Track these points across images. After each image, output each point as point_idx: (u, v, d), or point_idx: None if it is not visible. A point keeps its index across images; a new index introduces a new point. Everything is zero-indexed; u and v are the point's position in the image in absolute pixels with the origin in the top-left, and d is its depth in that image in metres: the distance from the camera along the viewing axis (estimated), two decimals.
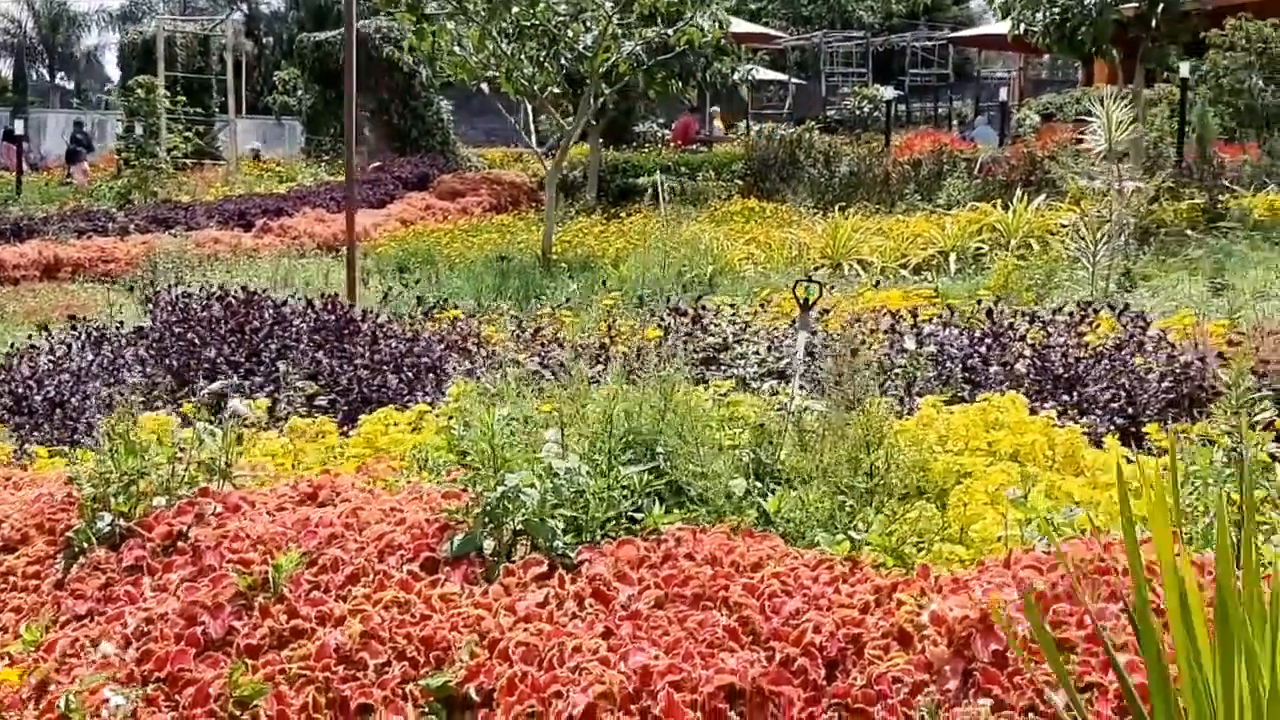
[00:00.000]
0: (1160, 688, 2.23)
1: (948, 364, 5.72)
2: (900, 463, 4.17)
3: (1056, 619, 3.05)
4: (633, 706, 3.03)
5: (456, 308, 11.13)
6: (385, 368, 6.36)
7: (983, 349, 5.88)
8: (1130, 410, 5.51)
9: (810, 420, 4.42)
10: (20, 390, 6.29)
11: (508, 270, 13.69)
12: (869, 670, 3.11)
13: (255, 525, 3.83)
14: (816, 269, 14.25)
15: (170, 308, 7.12)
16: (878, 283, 12.36)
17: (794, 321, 5.05)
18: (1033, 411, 5.20)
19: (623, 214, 20.20)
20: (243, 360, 6.66)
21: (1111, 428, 5.25)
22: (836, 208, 18.04)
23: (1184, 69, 19.80)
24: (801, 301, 4.96)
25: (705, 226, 17.20)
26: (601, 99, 17.68)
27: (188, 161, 24.41)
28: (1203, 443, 4.78)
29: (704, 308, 7.39)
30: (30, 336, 8.77)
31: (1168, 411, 5.51)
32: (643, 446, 4.32)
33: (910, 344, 5.76)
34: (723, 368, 5.89)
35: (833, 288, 11.05)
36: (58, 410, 6.09)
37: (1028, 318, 6.62)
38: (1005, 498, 4.32)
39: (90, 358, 6.77)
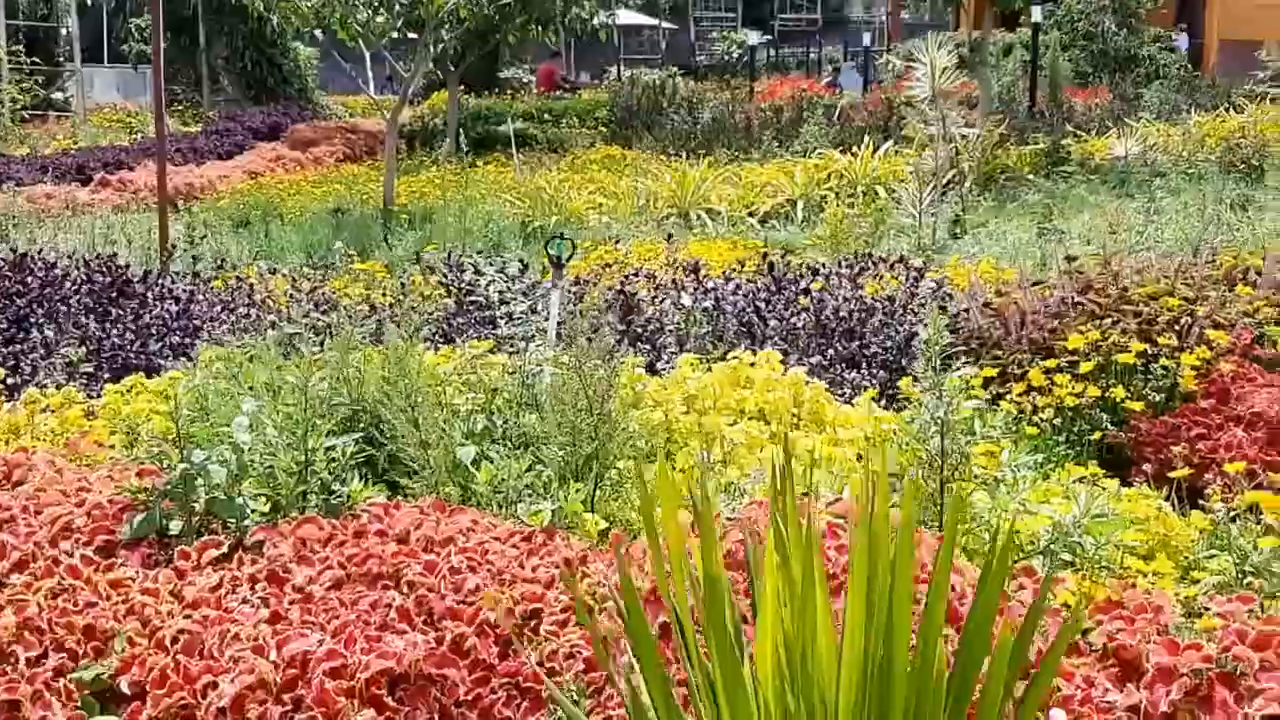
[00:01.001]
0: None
1: (726, 319, 5.61)
2: (627, 425, 4.06)
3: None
4: (286, 696, 2.87)
5: (276, 265, 10.84)
6: (151, 332, 6.08)
7: (762, 304, 5.78)
8: (902, 363, 5.47)
9: (546, 383, 4.29)
10: None
11: (342, 224, 13.32)
12: (543, 647, 3.00)
13: None
14: (664, 218, 14.14)
15: None
16: (722, 233, 12.32)
17: (553, 279, 4.89)
18: (811, 372, 5.14)
19: (480, 163, 19.87)
20: (5, 327, 6.32)
21: (872, 382, 5.20)
22: (698, 155, 17.94)
23: (1036, 13, 19.89)
24: (554, 259, 4.81)
25: (562, 175, 16.98)
26: (446, 45, 17.27)
27: (26, 114, 23.42)
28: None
29: (490, 263, 7.19)
30: None
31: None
32: (369, 415, 4.16)
33: (687, 300, 5.65)
34: (498, 328, 5.74)
35: (670, 236, 10.95)
36: None
37: (813, 270, 6.54)
38: (740, 457, 4.24)
39: None
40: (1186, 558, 3.62)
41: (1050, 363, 4.99)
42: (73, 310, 6.44)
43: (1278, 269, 5.55)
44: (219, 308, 6.53)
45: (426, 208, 14.92)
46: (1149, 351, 4.91)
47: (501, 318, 5.43)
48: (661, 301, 5.80)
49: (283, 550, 3.31)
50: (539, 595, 3.11)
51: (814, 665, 1.90)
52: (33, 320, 6.44)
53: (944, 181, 14.42)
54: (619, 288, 6.11)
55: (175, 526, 3.46)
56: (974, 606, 2.10)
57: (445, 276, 6.66)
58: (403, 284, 6.86)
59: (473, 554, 3.27)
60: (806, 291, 6.07)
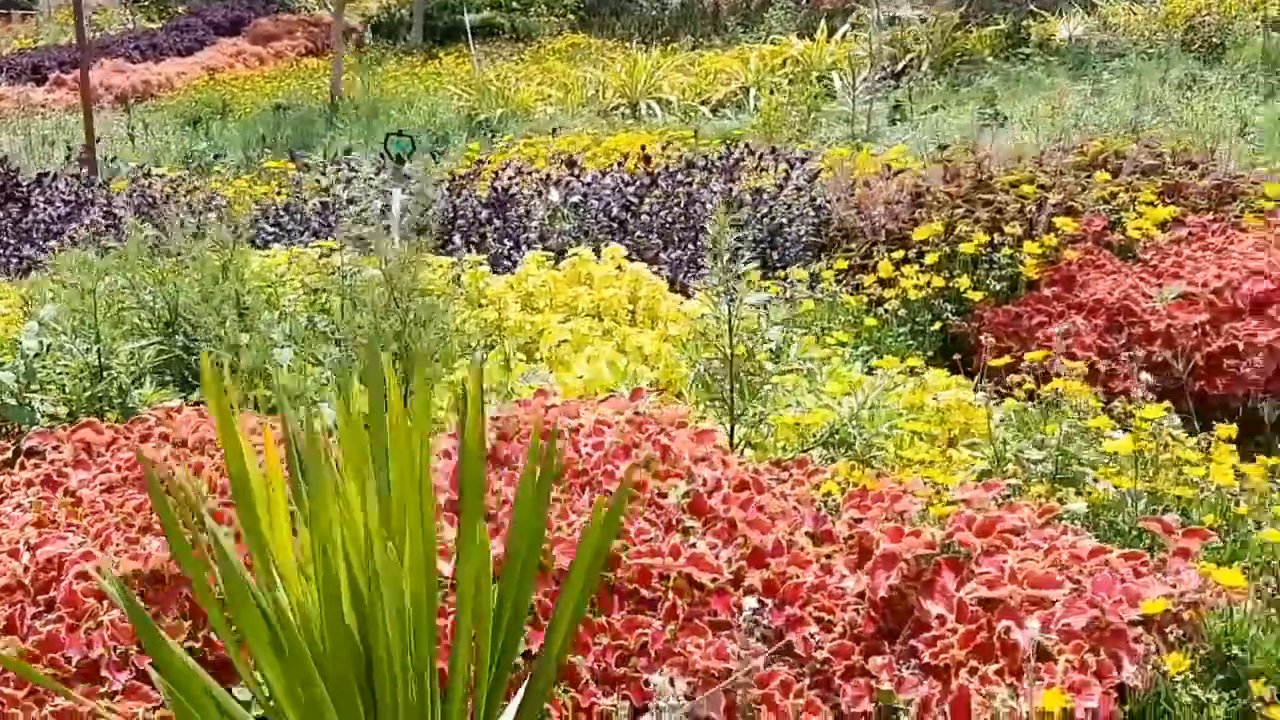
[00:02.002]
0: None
1: (596, 215, 5.58)
2: (442, 323, 4.07)
3: None
4: (41, 598, 2.93)
5: (208, 163, 10.79)
6: (32, 236, 6.08)
7: (636, 199, 5.75)
8: (774, 256, 5.45)
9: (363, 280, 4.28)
10: None
11: (284, 120, 13.20)
12: None
13: None
14: (613, 109, 14.01)
15: None
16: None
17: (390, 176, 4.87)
18: (674, 268, 5.13)
19: (443, 54, 19.65)
20: None
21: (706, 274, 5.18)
22: (664, 43, 17.73)
23: None
24: (394, 156, 4.78)
25: (520, 66, 16.77)
26: None
27: None
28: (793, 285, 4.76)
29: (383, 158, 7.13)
30: None
31: (804, 255, 5.46)
32: (184, 319, 4.18)
33: (554, 195, 5.61)
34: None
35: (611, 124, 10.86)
36: None
37: (689, 163, 6.47)
38: (564, 355, 4.27)
39: None
40: (979, 446, 3.66)
41: (898, 254, 4.98)
42: None
43: (1145, 154, 5.49)
44: (102, 208, 6.51)
45: (377, 101, 14.77)
46: (994, 240, 4.89)
47: (349, 216, 5.40)
48: (531, 199, 5.77)
49: (64, 454, 3.35)
50: None
51: (334, 560, 1.93)
52: None
53: (898, 67, 14.30)
54: (491, 183, 6.08)
55: None
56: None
57: (321, 176, 6.61)
58: (298, 183, 6.82)
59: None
60: (686, 184, 6.03)
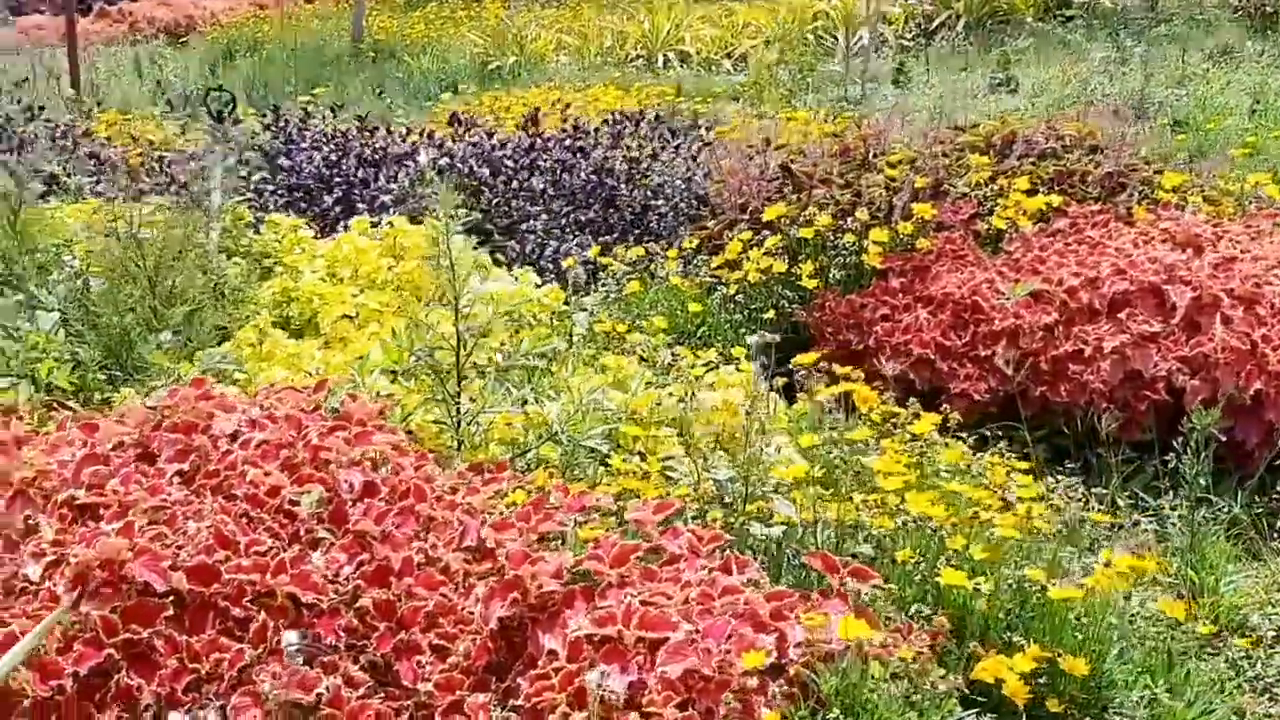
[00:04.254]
0: None
1: (461, 181, 5.34)
2: (191, 293, 3.89)
3: None
4: None
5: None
6: None
7: (510, 164, 5.49)
8: (643, 232, 5.18)
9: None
10: None
11: (300, 60, 13.05)
12: None
13: None
14: (632, 60, 13.68)
15: None
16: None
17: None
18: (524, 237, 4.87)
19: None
20: None
21: (576, 249, 4.93)
22: None
23: None
24: (213, 113, 4.59)
25: (556, 12, 16.46)
26: None
27: None
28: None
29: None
30: None
31: (679, 233, 5.18)
32: None
33: (423, 158, 5.38)
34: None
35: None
36: None
37: (575, 127, 6.15)
38: (343, 332, 4.06)
39: None
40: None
41: (747, 234, 4.67)
42: None
43: (1047, 136, 5.09)
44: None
45: (397, 45, 14.58)
46: (841, 225, 4.56)
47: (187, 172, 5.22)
48: (402, 160, 5.53)
49: None
50: None
51: None
52: None
53: (932, 26, 13.75)
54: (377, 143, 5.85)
55: None
56: None
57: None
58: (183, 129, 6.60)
59: None
60: (577, 150, 5.75)
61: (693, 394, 3.54)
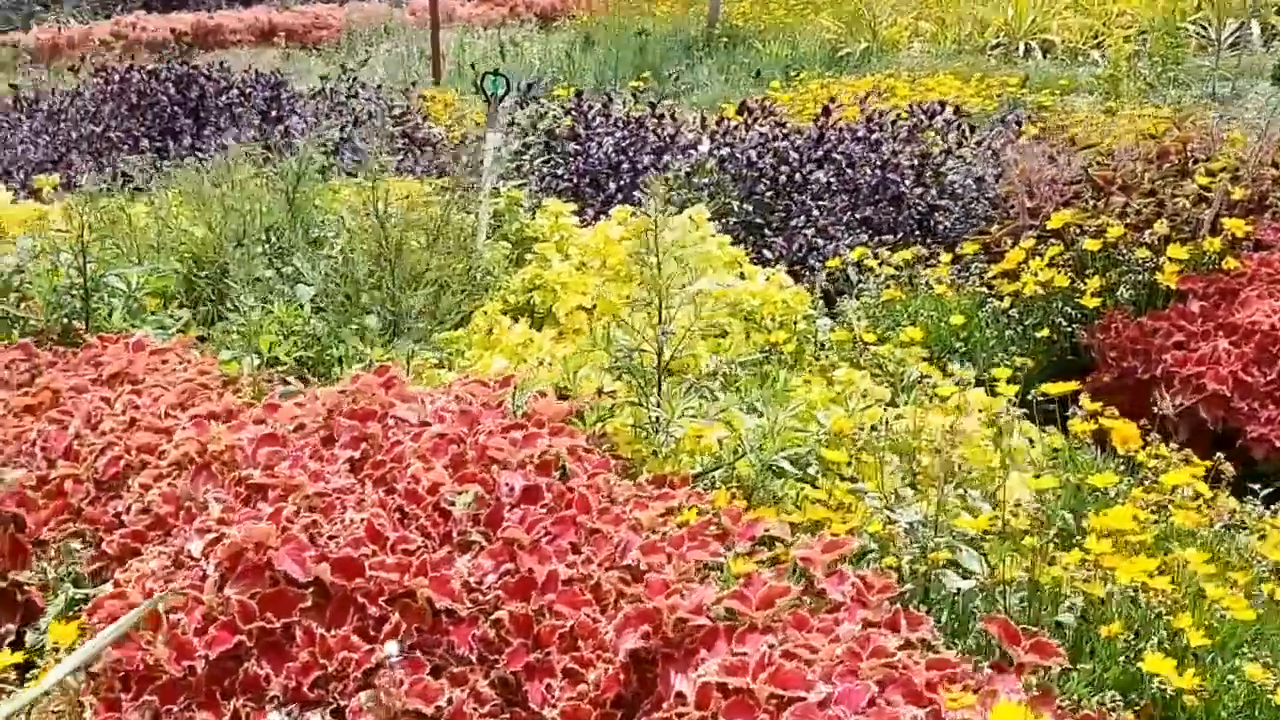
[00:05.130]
0: None
1: (738, 173, 5.14)
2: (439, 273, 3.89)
3: None
4: None
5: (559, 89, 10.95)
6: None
7: (795, 158, 5.24)
8: (921, 231, 4.84)
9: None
10: None
11: (648, 46, 13.17)
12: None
13: None
14: (991, 48, 13.03)
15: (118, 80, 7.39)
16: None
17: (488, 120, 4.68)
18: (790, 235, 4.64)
19: None
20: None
21: (841, 251, 4.63)
22: None
23: None
24: (488, 96, 4.59)
25: None
26: None
27: None
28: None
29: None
30: None
31: (963, 236, 4.79)
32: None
33: (705, 146, 5.21)
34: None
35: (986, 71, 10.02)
36: None
37: (867, 119, 5.75)
38: (578, 322, 4.00)
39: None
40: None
41: (1029, 242, 4.24)
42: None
43: None
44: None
45: (748, 31, 14.48)
46: (1137, 238, 4.05)
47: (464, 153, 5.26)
48: (686, 148, 5.36)
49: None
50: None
51: None
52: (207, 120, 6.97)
53: None
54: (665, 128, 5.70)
55: None
56: None
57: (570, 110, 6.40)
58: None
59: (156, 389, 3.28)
60: (871, 143, 5.41)
61: (923, 417, 3.23)
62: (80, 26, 17.07)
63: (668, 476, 2.95)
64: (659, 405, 3.09)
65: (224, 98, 7.21)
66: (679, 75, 12.08)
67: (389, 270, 3.84)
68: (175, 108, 7.10)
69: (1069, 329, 4.05)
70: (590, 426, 3.13)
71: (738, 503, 2.84)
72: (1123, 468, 3.10)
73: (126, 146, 6.54)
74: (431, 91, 8.13)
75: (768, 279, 4.18)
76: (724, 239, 4.40)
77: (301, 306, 3.85)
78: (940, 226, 4.76)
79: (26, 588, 2.73)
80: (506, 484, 2.72)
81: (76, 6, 18.24)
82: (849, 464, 3.02)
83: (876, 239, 4.78)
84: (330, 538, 2.59)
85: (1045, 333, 4.01)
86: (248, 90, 7.27)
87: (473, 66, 11.79)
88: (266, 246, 4.19)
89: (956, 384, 3.54)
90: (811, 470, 2.98)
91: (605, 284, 4.11)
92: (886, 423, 3.24)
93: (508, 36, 14.32)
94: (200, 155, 6.09)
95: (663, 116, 5.81)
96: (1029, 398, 3.53)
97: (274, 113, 6.82)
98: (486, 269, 4.32)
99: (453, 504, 2.66)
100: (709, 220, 4.94)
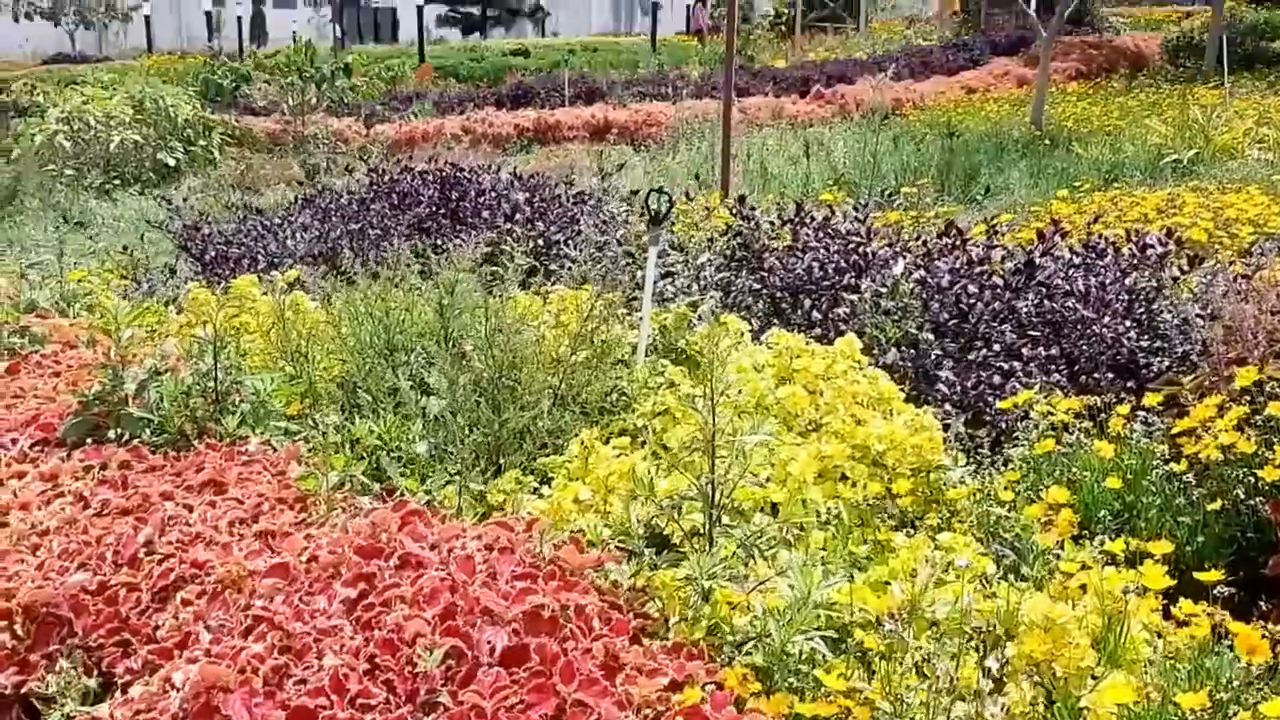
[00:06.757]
0: None
1: (929, 301, 4.80)
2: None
3: None
4: None
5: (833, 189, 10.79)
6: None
7: (974, 287, 4.84)
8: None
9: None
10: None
11: (956, 147, 12.73)
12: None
13: None
14: None
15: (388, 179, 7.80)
16: None
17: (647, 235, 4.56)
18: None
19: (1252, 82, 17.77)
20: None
21: (1006, 392, 4.21)
22: None
23: None
24: (652, 213, 4.50)
25: (1251, 102, 14.75)
26: None
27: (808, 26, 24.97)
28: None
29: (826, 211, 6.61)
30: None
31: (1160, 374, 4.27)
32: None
33: (898, 269, 4.89)
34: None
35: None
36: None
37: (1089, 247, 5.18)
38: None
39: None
40: None
41: (1217, 398, 3.71)
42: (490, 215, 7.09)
43: None
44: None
45: (1077, 132, 13.77)
46: None
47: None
48: (884, 267, 5.04)
49: (108, 469, 3.63)
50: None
51: None
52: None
53: None
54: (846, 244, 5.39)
55: (111, 434, 3.90)
56: None
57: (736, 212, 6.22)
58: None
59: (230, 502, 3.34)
60: (1085, 268, 4.91)
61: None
62: (435, 120, 18.26)
63: (685, 645, 2.71)
64: (701, 562, 2.86)
65: (482, 198, 7.44)
66: (985, 179, 11.62)
67: (506, 388, 3.78)
68: (434, 207, 7.39)
69: (1251, 503, 3.49)
70: (630, 578, 2.93)
71: (750, 685, 2.58)
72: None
73: (382, 244, 6.83)
74: (701, 198, 8.10)
75: (910, 419, 3.85)
76: (876, 373, 4.09)
77: (425, 420, 3.85)
78: (1142, 371, 4.26)
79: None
80: (488, 641, 2.56)
81: (436, 102, 19.56)
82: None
83: (1063, 379, 4.33)
84: (299, 682, 2.51)
85: (1217, 505, 3.48)
86: (503, 192, 7.49)
87: (763, 169, 11.78)
88: (411, 356, 4.24)
89: (1128, 563, 3.12)
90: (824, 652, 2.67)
91: (737, 415, 3.90)
92: (968, 602, 2.87)
93: (814, 135, 14.23)
94: (439, 253, 6.29)
95: (872, 230, 5.54)
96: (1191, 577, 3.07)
97: (518, 214, 6.98)
98: (623, 390, 4.20)
99: (422, 659, 2.53)
100: (890, 348, 4.65)
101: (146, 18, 37.02)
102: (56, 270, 6.49)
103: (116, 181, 13.72)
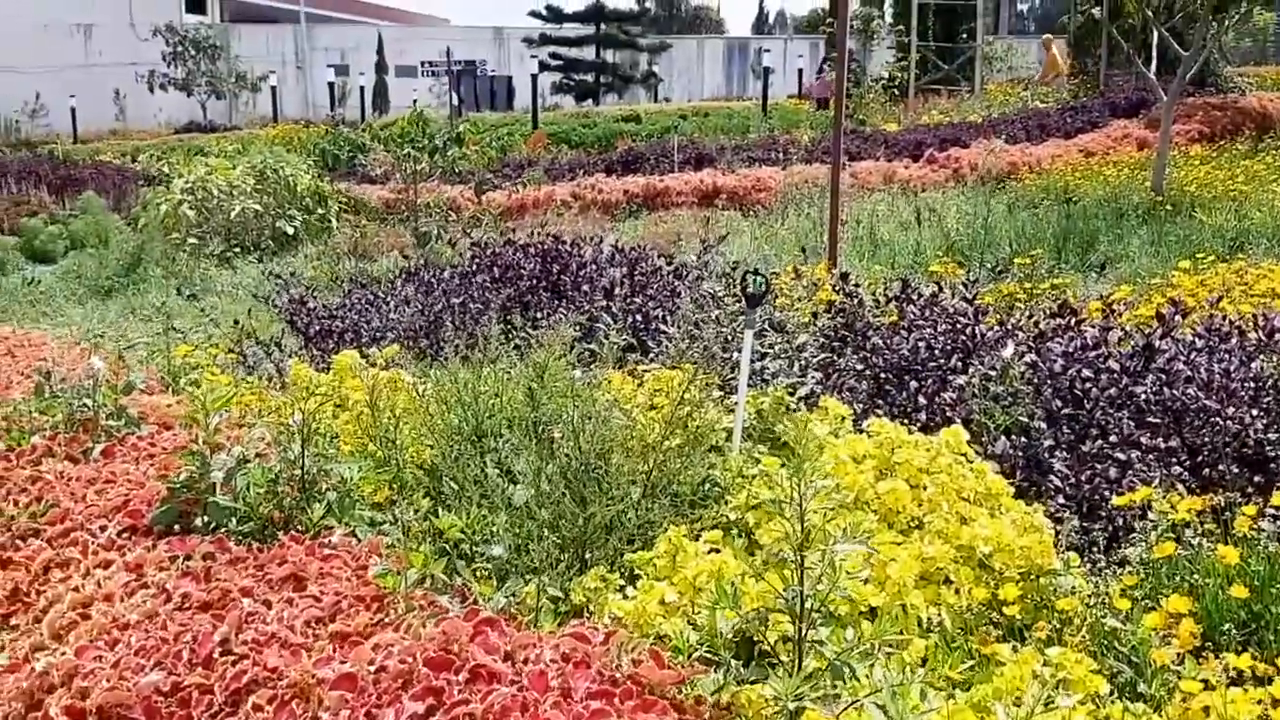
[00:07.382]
0: None
1: (1044, 384, 4.59)
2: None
3: None
4: None
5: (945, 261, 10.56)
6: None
7: (1089, 371, 4.60)
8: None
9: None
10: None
11: (1073, 213, 12.39)
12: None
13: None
14: None
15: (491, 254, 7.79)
16: None
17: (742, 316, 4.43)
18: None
19: None
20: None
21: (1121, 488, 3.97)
22: None
23: None
24: (747, 295, 4.37)
25: None
26: None
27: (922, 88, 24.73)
28: None
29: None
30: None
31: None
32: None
33: (1008, 352, 4.69)
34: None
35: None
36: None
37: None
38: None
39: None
40: None
41: None
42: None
43: None
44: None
45: (1201, 198, 13.32)
46: None
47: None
48: (993, 349, 4.82)
49: (192, 560, 3.58)
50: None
51: None
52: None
53: None
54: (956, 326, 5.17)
55: (198, 522, 3.86)
56: None
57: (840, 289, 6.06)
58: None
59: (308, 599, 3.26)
60: (1213, 355, 4.66)
61: None
62: (546, 187, 18.41)
63: None
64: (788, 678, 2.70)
65: (583, 272, 7.40)
66: (1103, 247, 11.27)
67: (593, 479, 3.67)
68: (534, 280, 7.36)
69: None
70: (713, 693, 2.78)
71: None
72: None
73: (482, 318, 6.80)
74: (807, 270, 7.96)
75: (1018, 518, 3.65)
76: (983, 465, 3.90)
77: (509, 510, 3.75)
78: (1270, 465, 4.00)
79: None
80: None
81: (547, 169, 19.74)
82: None
83: (1184, 471, 4.09)
84: None
85: None
86: (604, 265, 7.43)
87: (872, 235, 11.58)
88: (499, 442, 4.15)
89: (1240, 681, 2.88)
90: None
91: (835, 511, 3.73)
92: None
93: (926, 201, 14.00)
94: (537, 328, 6.23)
95: (981, 309, 5.33)
96: None
97: (616, 290, 6.90)
98: (735, 476, 4.06)
99: None
100: (999, 435, 4.44)
101: (273, 88, 38.21)
102: (164, 345, 6.56)
103: (237, 249, 14.01)
